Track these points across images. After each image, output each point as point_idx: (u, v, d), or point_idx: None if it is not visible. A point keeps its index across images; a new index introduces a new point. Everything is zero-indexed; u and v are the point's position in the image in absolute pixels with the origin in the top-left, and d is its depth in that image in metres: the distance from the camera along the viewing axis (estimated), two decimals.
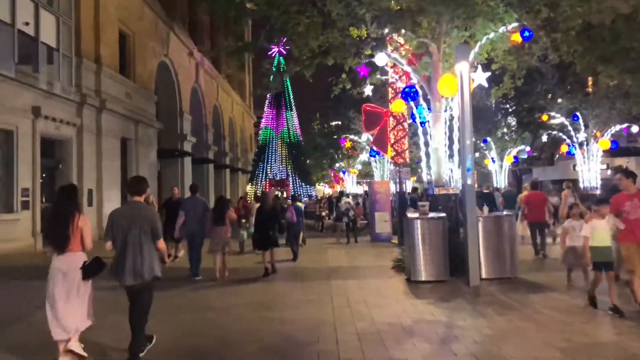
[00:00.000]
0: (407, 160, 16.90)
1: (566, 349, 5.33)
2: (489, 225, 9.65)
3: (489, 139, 29.61)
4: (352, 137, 27.38)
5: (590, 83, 26.16)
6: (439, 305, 7.52)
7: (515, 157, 31.63)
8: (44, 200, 17.48)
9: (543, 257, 11.79)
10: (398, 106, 12.41)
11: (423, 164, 11.87)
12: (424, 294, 8.48)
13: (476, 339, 5.75)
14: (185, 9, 34.71)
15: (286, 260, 12.89)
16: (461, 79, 9.05)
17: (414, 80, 11.06)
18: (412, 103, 11.44)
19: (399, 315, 6.95)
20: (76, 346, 5.24)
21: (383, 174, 22.80)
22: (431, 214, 9.78)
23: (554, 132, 23.50)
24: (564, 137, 22.75)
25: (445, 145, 11.10)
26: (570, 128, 22.03)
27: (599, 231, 6.83)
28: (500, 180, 31.43)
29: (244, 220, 15.40)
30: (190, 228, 10.78)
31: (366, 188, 58.18)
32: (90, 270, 5.25)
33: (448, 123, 11.19)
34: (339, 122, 40.85)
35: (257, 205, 13.23)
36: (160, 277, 5.49)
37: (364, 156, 27.89)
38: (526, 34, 10.03)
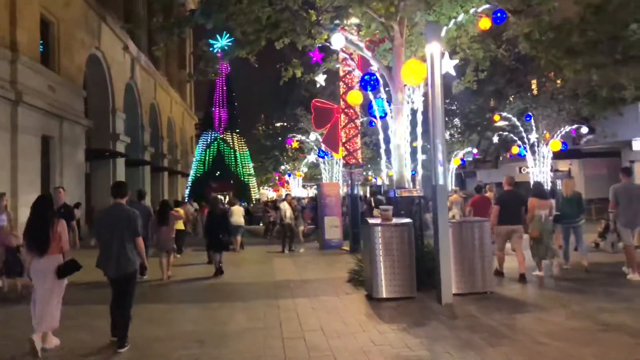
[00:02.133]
0: (360, 160, 15.61)
1: None
2: (459, 232, 8.43)
3: None
4: (299, 137, 25.84)
5: (534, 85, 25.89)
6: (413, 333, 6.15)
7: (462, 160, 31.11)
8: None
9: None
10: (354, 98, 10.95)
11: (382, 163, 10.58)
12: (391, 316, 7.13)
13: None
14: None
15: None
16: (431, 63, 7.80)
17: (374, 67, 9.73)
18: (370, 95, 10.11)
19: (366, 350, 5.53)
20: (50, 341, 5.91)
21: (332, 176, 21.48)
22: (395, 220, 8.46)
23: (505, 133, 22.86)
24: (515, 138, 22.14)
25: (407, 141, 9.84)
26: (521, 129, 21.44)
27: None
28: (448, 183, 30.79)
29: None
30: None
31: (312, 191, 56.82)
32: (66, 270, 5.91)
33: (410, 117, 9.94)
34: (285, 124, 39.24)
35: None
36: (137, 269, 6.12)
37: (311, 157, 26.41)
38: (499, 14, 8.91)
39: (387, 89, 10.32)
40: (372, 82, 9.41)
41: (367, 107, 10.50)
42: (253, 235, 22.92)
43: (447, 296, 7.64)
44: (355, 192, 15.26)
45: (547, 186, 22.21)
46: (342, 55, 11.44)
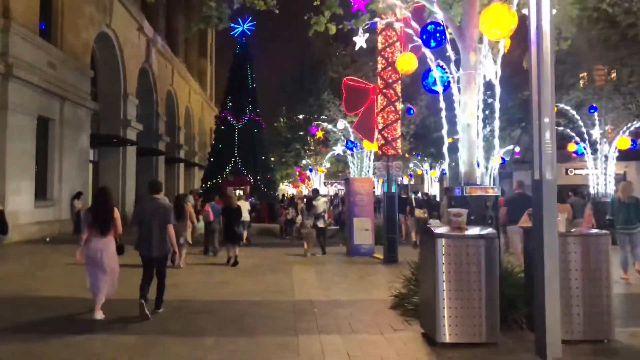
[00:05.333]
0: (400, 151, 13.02)
1: None
2: (560, 249, 5.82)
3: None
4: (325, 125, 23.04)
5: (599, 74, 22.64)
6: None
7: (503, 159, 28.24)
8: None
9: None
10: (406, 62, 8.11)
11: (444, 149, 8.03)
12: None
13: None
14: None
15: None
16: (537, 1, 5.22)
17: (439, 15, 7.07)
18: (430, 56, 7.48)
19: None
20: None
21: (361, 171, 18.90)
22: (470, 230, 5.91)
23: (561, 128, 19.83)
24: (572, 134, 19.17)
25: (479, 119, 7.29)
26: (581, 123, 18.49)
27: None
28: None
29: None
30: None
31: (335, 188, 54.08)
32: (120, 249, 7.14)
33: (482, 89, 7.38)
34: (307, 116, 36.54)
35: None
36: (170, 250, 7.33)
37: (338, 149, 23.66)
38: None
39: (447, 54, 7.73)
40: (436, 35, 6.78)
41: (424, 74, 7.90)
42: (269, 235, 20.51)
43: (555, 348, 5.03)
44: (393, 189, 12.68)
45: (607, 190, 19.26)
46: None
